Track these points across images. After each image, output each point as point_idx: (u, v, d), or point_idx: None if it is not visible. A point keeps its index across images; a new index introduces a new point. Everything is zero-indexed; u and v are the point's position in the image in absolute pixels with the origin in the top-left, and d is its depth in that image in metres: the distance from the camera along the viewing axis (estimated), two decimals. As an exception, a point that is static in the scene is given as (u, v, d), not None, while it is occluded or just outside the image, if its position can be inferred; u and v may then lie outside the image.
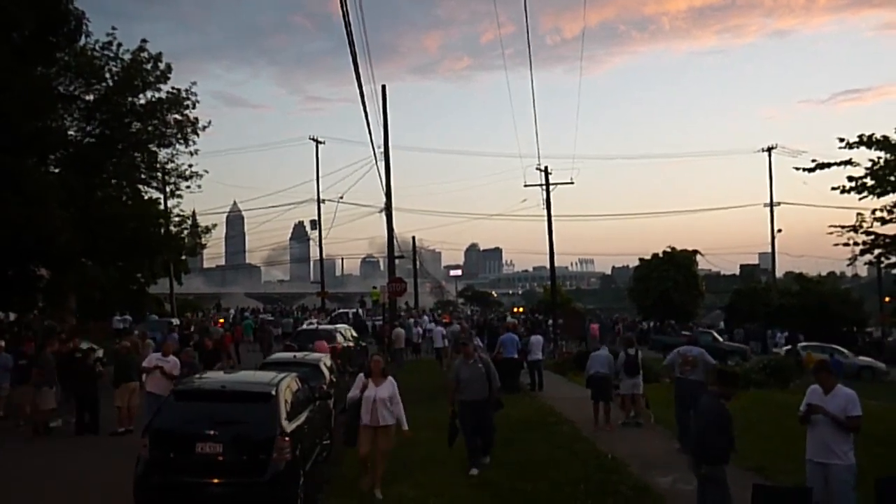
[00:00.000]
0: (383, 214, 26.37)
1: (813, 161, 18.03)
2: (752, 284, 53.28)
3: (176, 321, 32.42)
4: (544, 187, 36.36)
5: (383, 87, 25.10)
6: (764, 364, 21.99)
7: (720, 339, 36.30)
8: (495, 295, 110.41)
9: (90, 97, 26.21)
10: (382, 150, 24.73)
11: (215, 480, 7.56)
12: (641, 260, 49.76)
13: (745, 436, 6.74)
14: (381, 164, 24.71)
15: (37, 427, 13.16)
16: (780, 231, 47.00)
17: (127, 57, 26.16)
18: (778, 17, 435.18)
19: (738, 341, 39.48)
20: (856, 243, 17.61)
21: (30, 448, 12.22)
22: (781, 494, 6.58)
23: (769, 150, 47.12)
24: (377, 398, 8.64)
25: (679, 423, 11.16)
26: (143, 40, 26.72)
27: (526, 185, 37.84)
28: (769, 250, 48.98)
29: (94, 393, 13.41)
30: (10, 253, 18.21)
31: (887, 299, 44.29)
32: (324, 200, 46.47)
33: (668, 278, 45.15)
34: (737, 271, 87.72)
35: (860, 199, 16.86)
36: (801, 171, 18.48)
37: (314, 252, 61.31)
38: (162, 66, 26.65)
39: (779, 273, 54.20)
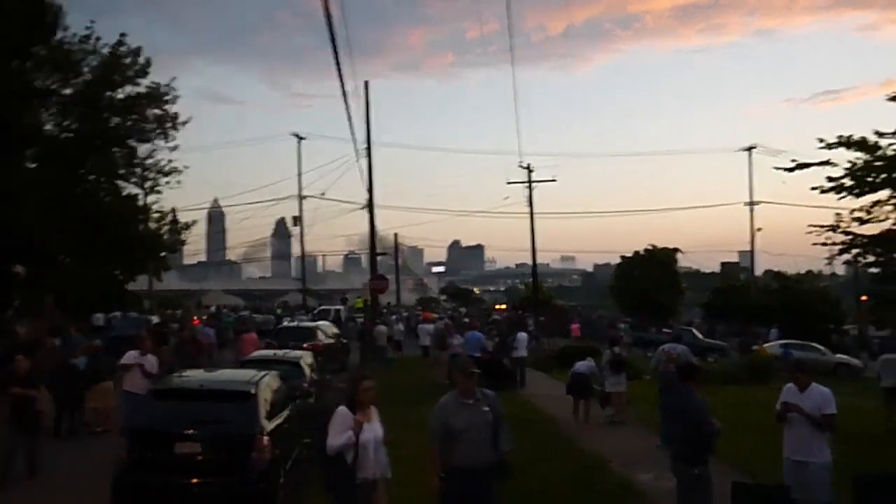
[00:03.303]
0: (366, 211, 26.33)
1: (793, 161, 18.28)
2: (732, 282, 53.80)
3: (155, 318, 32.12)
4: (527, 185, 36.49)
5: (366, 83, 25.07)
6: (744, 361, 22.23)
7: (700, 336, 36.61)
8: (477, 292, 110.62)
9: (68, 91, 25.86)
10: (365, 146, 24.69)
11: (195, 480, 7.50)
12: (623, 257, 50.11)
13: (724, 433, 6.76)
14: (364, 161, 24.67)
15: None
16: (759, 230, 47.57)
17: (106, 51, 25.84)
18: (760, 17, 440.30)
19: (717, 338, 39.84)
20: (834, 243, 17.87)
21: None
22: (760, 492, 6.64)
23: (749, 149, 47.58)
24: (377, 439, 6.03)
25: (662, 420, 11.24)
26: (122, 34, 26.35)
27: (509, 183, 37.92)
28: (749, 248, 49.57)
29: (76, 393, 13.22)
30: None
31: (864, 298, 44.93)
32: (306, 197, 46.28)
33: (649, 276, 45.50)
34: (717, 269, 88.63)
35: (839, 199, 17.11)
36: (781, 170, 18.72)
37: (295, 249, 61.10)
38: (141, 60, 26.34)
39: (758, 271, 54.82)
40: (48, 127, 25.45)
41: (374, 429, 6.05)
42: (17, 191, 18.34)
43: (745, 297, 45.73)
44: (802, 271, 53.87)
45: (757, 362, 22.28)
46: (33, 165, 24.26)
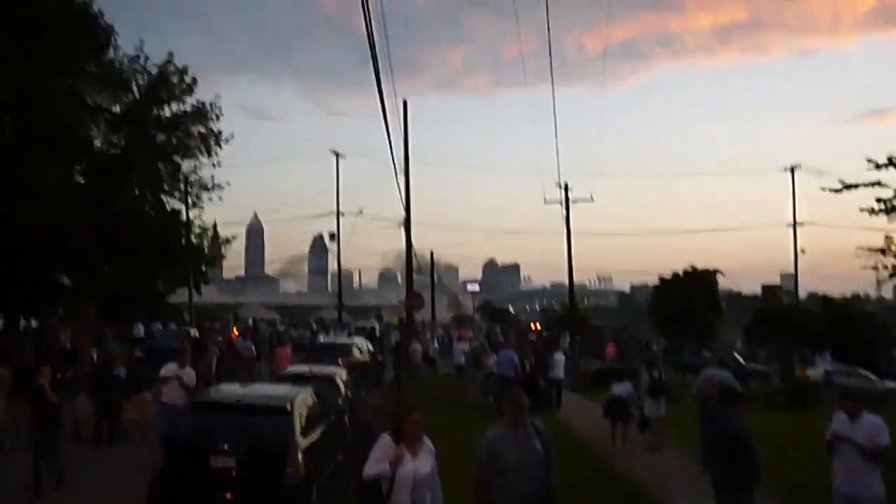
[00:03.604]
0: (402, 228, 26.42)
1: (840, 182, 17.84)
2: (775, 305, 52.59)
3: (195, 331, 32.54)
4: (564, 204, 36.25)
5: (404, 101, 25.22)
6: (787, 386, 21.64)
7: (741, 360, 35.80)
8: (512, 311, 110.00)
9: (117, 108, 26.60)
10: (403, 164, 24.80)
11: (228, 493, 7.52)
12: (661, 278, 49.35)
13: (768, 463, 6.52)
14: (401, 179, 24.78)
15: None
16: (803, 251, 46.42)
17: (154, 70, 26.55)
18: (803, 36, 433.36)
19: (759, 362, 38.96)
20: (885, 266, 17.36)
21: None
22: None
23: (792, 169, 46.61)
24: (418, 476, 5.59)
25: (703, 445, 10.95)
26: (170, 53, 27.14)
27: (546, 202, 37.72)
28: (792, 270, 48.37)
29: (117, 402, 13.42)
30: (31, 259, 18.43)
31: (914, 323, 43.53)
32: (343, 213, 46.67)
33: (689, 298, 44.68)
34: (758, 291, 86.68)
35: (889, 221, 16.64)
36: (828, 191, 18.29)
37: (332, 264, 61.52)
38: (188, 78, 27.01)
39: (802, 294, 53.45)
40: (97, 142, 26.20)
41: (419, 464, 5.61)
42: (65, 203, 18.83)
43: (789, 320, 44.63)
44: (847, 294, 52.49)
45: (801, 387, 21.64)
46: (81, 179, 24.93)
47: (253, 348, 23.89)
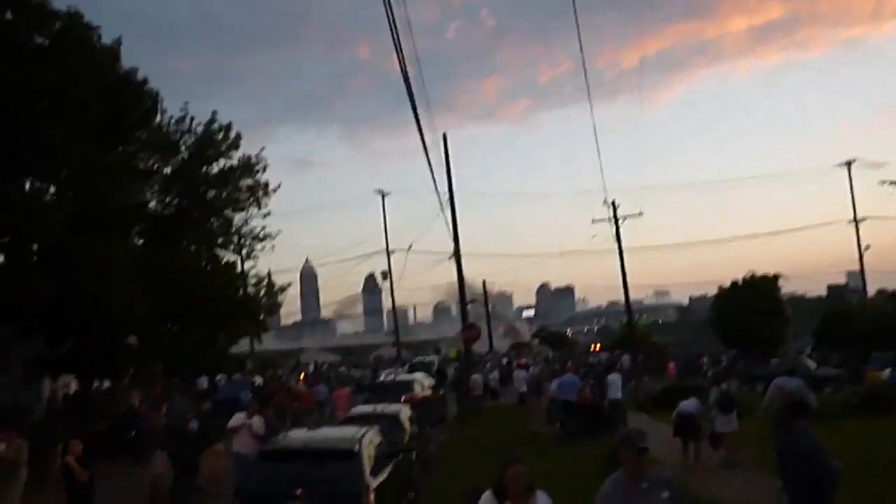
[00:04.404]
0: (452, 261, 26.55)
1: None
2: (842, 306, 50.74)
3: (259, 380, 33.13)
4: (613, 221, 35.94)
5: (444, 135, 25.46)
6: (862, 390, 20.77)
7: (812, 366, 34.54)
8: (570, 334, 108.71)
9: (168, 170, 27.65)
10: (448, 197, 25.03)
11: (306, 540, 7.61)
12: (720, 288, 48.18)
13: (846, 474, 6.30)
14: (448, 212, 24.99)
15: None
16: (867, 248, 44.92)
17: (199, 129, 27.56)
18: (845, 27, 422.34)
19: (832, 367, 37.49)
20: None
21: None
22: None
23: (848, 164, 45.37)
24: None
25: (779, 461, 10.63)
26: (214, 112, 28.18)
27: (594, 222, 37.47)
28: (857, 268, 46.80)
29: (192, 457, 13.69)
30: (97, 325, 19.09)
31: None
32: (393, 251, 47.22)
33: (751, 306, 43.46)
34: (823, 293, 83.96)
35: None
36: (887, 184, 17.72)
37: (386, 302, 61.98)
38: (232, 134, 27.97)
39: (870, 291, 51.53)
40: (151, 204, 27.22)
41: None
42: (129, 269, 19.53)
43: (861, 320, 42.96)
44: (920, 289, 50.29)
45: (878, 391, 20.74)
46: (140, 241, 25.86)
47: (326, 390, 24.85)
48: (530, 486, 4.78)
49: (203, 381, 33.71)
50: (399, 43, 9.31)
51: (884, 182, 16.09)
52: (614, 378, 19.23)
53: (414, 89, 10.33)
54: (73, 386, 25.10)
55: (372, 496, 7.82)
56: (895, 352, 34.00)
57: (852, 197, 45.42)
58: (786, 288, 49.73)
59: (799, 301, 73.41)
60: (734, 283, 46.26)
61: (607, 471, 4.98)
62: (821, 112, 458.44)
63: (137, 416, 18.54)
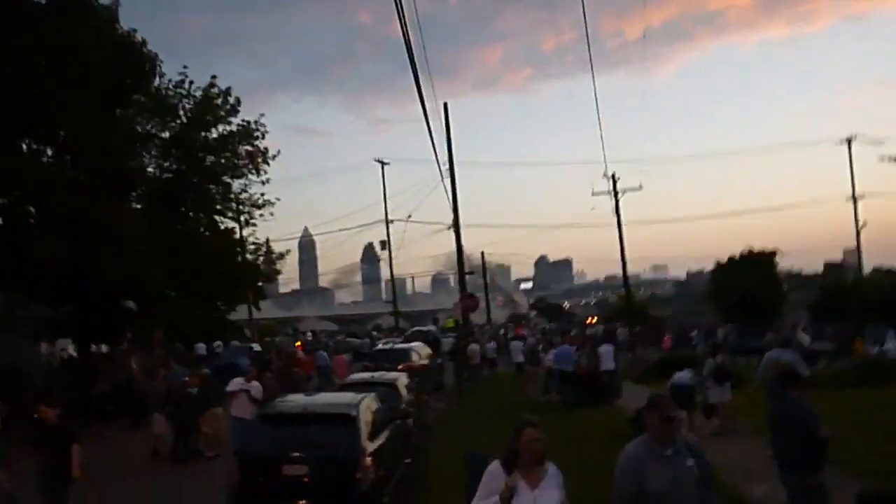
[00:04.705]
0: (451, 231, 26.51)
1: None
2: (838, 281, 50.89)
3: (257, 347, 33.28)
4: (612, 195, 35.88)
5: (445, 104, 25.23)
6: (858, 363, 20.95)
7: (806, 340, 34.74)
8: (568, 306, 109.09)
9: (166, 134, 27.46)
10: (448, 167, 24.91)
11: (303, 501, 7.71)
12: (718, 263, 48.28)
13: (844, 438, 6.39)
14: (447, 182, 24.90)
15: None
16: (865, 225, 44.91)
17: (198, 94, 27.31)
18: (850, 1, 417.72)
19: (827, 341, 37.70)
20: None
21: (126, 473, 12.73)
22: (890, 501, 6.19)
23: (849, 141, 45.15)
24: None
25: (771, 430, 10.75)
26: (213, 76, 27.93)
27: (594, 194, 37.40)
28: (854, 245, 46.85)
29: (193, 420, 13.83)
30: (97, 288, 19.12)
31: None
32: (392, 220, 47.16)
33: (748, 281, 43.59)
34: (820, 269, 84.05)
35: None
36: (886, 161, 17.63)
37: (384, 272, 62.14)
38: (231, 100, 27.74)
39: (866, 269, 51.69)
40: (150, 168, 27.07)
41: (540, 497, 4.28)
42: (129, 233, 19.49)
43: (860, 294, 43.12)
44: (915, 265, 50.47)
45: (877, 363, 20.89)
46: (138, 206, 25.77)
47: (326, 356, 25.29)
48: (542, 456, 4.38)
49: (201, 347, 33.87)
50: (401, 9, 9.21)
51: (882, 159, 16.17)
52: (606, 349, 19.29)
53: (416, 57, 10.22)
54: (70, 350, 25.24)
55: (369, 460, 7.90)
56: (890, 326, 34.25)
57: (851, 174, 45.31)
58: (784, 263, 49.85)
59: (796, 277, 73.51)
60: (731, 259, 46.37)
61: (633, 434, 4.92)
62: (823, 86, 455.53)
63: (135, 381, 18.67)
